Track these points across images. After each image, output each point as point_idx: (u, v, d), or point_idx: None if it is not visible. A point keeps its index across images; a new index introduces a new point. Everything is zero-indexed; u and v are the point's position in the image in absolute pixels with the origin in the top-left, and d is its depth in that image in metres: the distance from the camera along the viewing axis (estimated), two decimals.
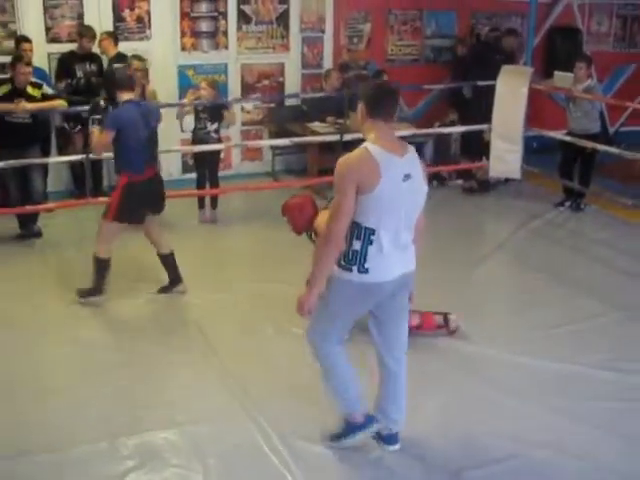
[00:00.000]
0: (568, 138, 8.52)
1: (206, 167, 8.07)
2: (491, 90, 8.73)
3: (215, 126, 7.92)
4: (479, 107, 9.19)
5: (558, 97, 9.64)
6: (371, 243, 3.62)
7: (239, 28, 9.57)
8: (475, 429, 4.38)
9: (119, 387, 4.75)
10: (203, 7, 9.37)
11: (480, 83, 9.13)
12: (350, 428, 4.08)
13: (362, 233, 3.61)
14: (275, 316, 5.59)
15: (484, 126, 8.92)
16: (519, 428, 4.40)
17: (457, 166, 9.49)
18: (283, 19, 9.74)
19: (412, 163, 3.67)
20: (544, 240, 7.73)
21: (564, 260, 7.21)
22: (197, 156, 8.15)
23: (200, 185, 8.14)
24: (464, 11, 10.64)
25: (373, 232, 3.60)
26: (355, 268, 3.64)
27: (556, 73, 8.75)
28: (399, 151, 3.64)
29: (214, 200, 8.16)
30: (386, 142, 3.61)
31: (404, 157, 3.63)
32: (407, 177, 3.60)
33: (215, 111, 7.94)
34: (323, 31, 9.97)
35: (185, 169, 9.42)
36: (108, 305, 5.97)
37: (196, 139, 7.97)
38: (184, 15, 9.29)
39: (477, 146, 9.33)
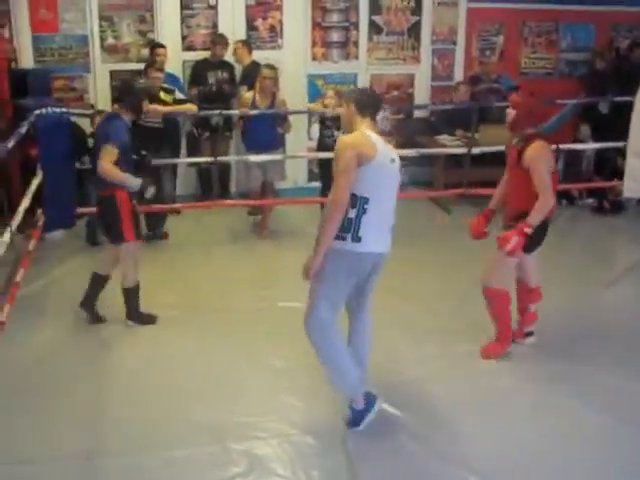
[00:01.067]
0: None
1: (331, 175, 8.04)
2: (629, 106, 8.35)
3: (341, 133, 7.91)
4: (616, 124, 8.81)
5: None
6: (365, 212, 3.98)
7: (370, 39, 9.60)
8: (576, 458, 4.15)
9: (227, 392, 4.78)
10: (334, 17, 9.44)
11: (618, 99, 8.76)
12: (358, 415, 4.28)
13: (357, 202, 3.98)
14: (383, 330, 5.43)
15: (619, 144, 8.53)
16: None
17: (587, 184, 9.13)
18: (414, 30, 9.69)
19: (392, 151, 4.16)
20: None
21: None
22: (322, 163, 8.16)
23: (324, 193, 8.14)
24: (603, 23, 10.26)
25: (367, 201, 3.98)
26: (349, 236, 4.00)
27: None
28: (384, 140, 4.16)
29: None
30: (375, 132, 4.11)
31: (388, 145, 4.16)
32: (393, 161, 4.09)
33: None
34: (455, 43, 9.86)
35: (311, 177, 9.49)
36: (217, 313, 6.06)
37: (322, 147, 7.98)
38: (315, 25, 9.40)
39: (612, 164, 8.95)
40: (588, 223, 8.62)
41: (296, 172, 9.27)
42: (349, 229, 4.00)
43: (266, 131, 7.76)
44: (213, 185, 8.57)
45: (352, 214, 3.98)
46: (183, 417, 4.47)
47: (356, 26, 9.51)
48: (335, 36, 9.49)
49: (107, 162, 5.20)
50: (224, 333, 5.61)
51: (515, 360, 5.24)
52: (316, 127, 7.98)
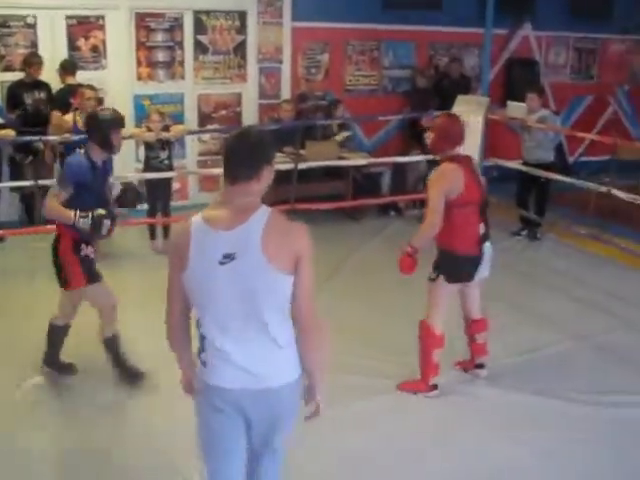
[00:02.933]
0: (523, 168, 8.54)
1: (158, 196, 7.97)
2: None
3: (167, 153, 7.84)
4: None
5: (516, 127, 9.68)
6: (204, 337, 2.86)
7: (196, 58, 9.56)
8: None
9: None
10: (159, 37, 9.35)
11: (437, 113, 9.12)
12: None
13: (196, 322, 2.91)
14: None
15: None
16: (473, 461, 4.35)
17: (413, 196, 9.45)
18: (240, 49, 9.75)
19: (242, 239, 2.73)
20: (500, 269, 7.56)
21: (520, 289, 7.17)
22: (149, 185, 8.04)
23: (151, 214, 8.04)
24: (422, 42, 10.71)
25: (199, 323, 2.88)
26: (200, 357, 2.92)
27: (509, 103, 8.81)
28: (225, 223, 2.76)
29: (166, 229, 8.05)
30: (215, 210, 2.83)
31: (231, 231, 2.74)
32: (228, 257, 2.72)
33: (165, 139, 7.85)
34: (281, 61, 9.98)
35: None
36: None
37: (148, 168, 7.87)
38: (140, 45, 9.26)
39: None
40: (414, 232, 8.86)
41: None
42: (199, 350, 2.92)
43: None
44: (38, 210, 8.27)
45: (198, 334, 2.93)
46: None
47: (181, 45, 9.46)
48: (160, 56, 9.40)
49: (50, 203, 4.76)
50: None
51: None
52: (142, 149, 7.87)
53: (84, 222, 4.70)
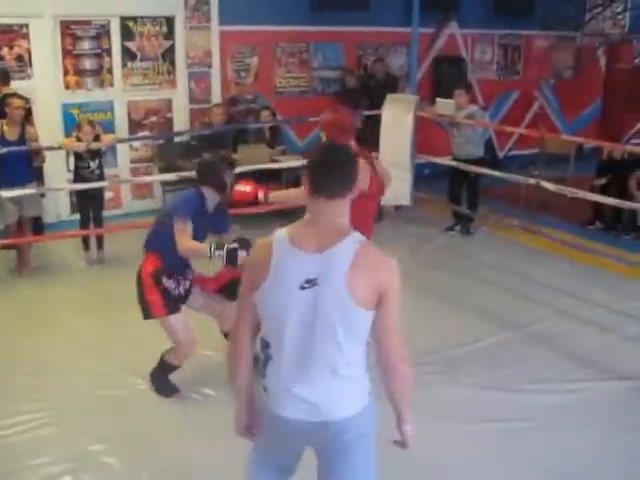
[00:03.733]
0: (454, 163, 8.67)
1: (90, 207, 7.87)
2: (379, 120, 8.83)
3: (97, 163, 7.73)
4: (371, 136, 9.26)
5: (445, 123, 9.83)
6: (270, 358, 2.73)
7: (124, 65, 9.46)
8: None
9: None
10: (86, 44, 9.21)
11: (367, 113, 9.20)
12: None
13: (262, 342, 2.79)
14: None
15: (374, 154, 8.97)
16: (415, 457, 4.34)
17: None
18: (169, 55, 9.69)
19: (327, 265, 2.60)
20: (435, 264, 7.81)
21: (454, 283, 7.28)
22: (80, 195, 7.93)
23: (84, 225, 7.92)
24: (351, 43, 10.81)
25: (268, 345, 2.74)
26: (261, 383, 2.80)
27: (438, 100, 8.92)
28: (313, 244, 2.63)
29: (100, 240, 7.95)
30: (303, 228, 2.69)
31: (318, 254, 2.61)
32: (310, 283, 2.59)
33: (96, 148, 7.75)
34: (210, 66, 9.93)
35: (73, 210, 9.17)
36: None
37: (79, 178, 7.75)
38: (66, 53, 9.12)
39: None
40: None
41: (58, 205, 8.98)
42: (261, 374, 2.80)
43: (18, 165, 7.39)
44: None
45: (262, 356, 2.80)
46: None
47: (109, 53, 9.35)
48: (88, 64, 9.26)
49: (183, 241, 4.60)
50: None
51: None
52: (71, 159, 7.77)
53: (219, 254, 4.51)
